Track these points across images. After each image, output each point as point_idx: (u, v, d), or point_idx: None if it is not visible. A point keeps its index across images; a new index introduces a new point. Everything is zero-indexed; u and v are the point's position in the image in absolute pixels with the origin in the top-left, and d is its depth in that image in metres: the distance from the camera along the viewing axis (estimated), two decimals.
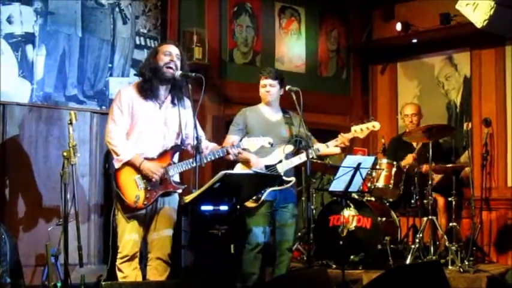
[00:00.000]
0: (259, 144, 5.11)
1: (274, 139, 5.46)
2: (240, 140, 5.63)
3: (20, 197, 6.31)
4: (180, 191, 5.01)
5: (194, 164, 4.70)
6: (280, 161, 5.68)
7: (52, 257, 5.60)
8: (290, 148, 5.68)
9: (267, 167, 5.64)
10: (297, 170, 7.14)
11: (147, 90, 4.92)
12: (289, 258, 5.93)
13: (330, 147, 5.77)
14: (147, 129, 4.93)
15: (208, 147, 5.04)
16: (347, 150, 6.66)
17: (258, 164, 5.61)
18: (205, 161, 4.85)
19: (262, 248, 5.74)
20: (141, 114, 4.91)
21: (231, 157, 5.07)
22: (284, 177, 5.65)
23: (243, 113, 5.94)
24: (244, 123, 5.85)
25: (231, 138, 5.73)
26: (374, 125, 5.81)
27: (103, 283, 3.90)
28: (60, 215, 5.69)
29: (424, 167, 6.93)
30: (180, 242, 5.42)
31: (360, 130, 5.79)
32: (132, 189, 4.84)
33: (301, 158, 5.70)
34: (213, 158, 4.94)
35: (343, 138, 5.71)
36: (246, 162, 5.64)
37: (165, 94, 4.99)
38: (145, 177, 4.84)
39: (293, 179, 5.74)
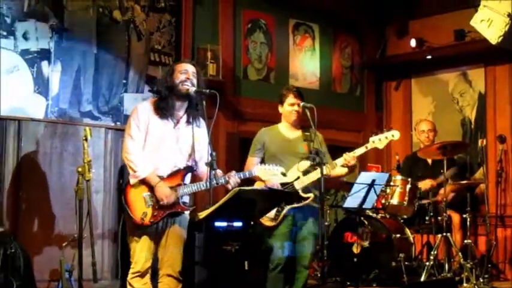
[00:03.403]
0: (271, 172, 5.04)
1: (291, 156, 5.45)
2: (261, 161, 5.61)
3: (35, 213, 6.32)
4: (187, 212, 4.97)
5: (204, 187, 4.67)
6: (298, 178, 5.63)
7: (66, 272, 5.61)
8: (306, 164, 5.59)
9: (283, 184, 5.56)
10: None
11: (163, 109, 4.89)
12: (306, 275, 5.85)
13: (337, 168, 5.62)
14: (159, 147, 4.89)
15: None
16: (356, 168, 6.54)
17: (273, 182, 5.52)
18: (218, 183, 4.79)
19: (283, 267, 5.65)
20: (155, 132, 4.88)
21: (230, 187, 4.97)
22: (302, 194, 5.60)
23: (260, 133, 5.92)
24: (261, 143, 5.82)
25: (252, 160, 5.74)
26: (393, 134, 5.63)
27: None
28: (75, 230, 5.71)
29: (440, 197, 6.86)
30: (193, 258, 5.39)
31: (378, 140, 5.59)
32: (140, 206, 4.80)
33: (319, 173, 5.56)
34: (215, 185, 4.69)
35: (347, 156, 5.53)
36: (262, 181, 5.57)
37: (181, 113, 4.96)
38: (155, 196, 4.81)
39: (311, 195, 5.60)
